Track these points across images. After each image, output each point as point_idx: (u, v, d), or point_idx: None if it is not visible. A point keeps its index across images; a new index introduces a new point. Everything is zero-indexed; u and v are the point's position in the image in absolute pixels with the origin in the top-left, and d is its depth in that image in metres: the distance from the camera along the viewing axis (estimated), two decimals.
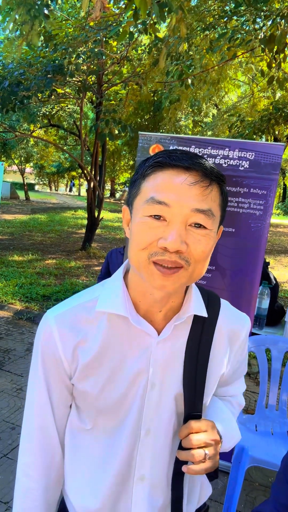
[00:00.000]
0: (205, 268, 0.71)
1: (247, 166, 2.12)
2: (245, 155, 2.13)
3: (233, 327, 0.86)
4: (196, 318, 0.81)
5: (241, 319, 0.88)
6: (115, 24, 4.91)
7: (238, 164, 2.14)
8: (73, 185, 40.11)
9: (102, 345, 0.77)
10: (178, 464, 0.79)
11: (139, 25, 3.59)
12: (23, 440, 0.85)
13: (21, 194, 23.49)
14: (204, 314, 0.80)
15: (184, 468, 0.73)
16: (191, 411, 0.79)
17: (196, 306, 0.79)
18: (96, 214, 8.86)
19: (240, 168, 2.14)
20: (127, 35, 2.81)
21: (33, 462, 0.83)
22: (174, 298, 0.77)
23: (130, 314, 0.76)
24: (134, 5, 2.10)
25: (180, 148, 2.21)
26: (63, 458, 0.87)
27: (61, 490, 0.90)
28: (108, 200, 28.94)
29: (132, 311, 0.77)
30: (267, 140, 8.19)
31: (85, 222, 9.75)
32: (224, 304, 0.88)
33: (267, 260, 2.92)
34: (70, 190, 40.55)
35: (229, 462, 2.33)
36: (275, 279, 2.86)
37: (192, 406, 0.79)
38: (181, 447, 0.76)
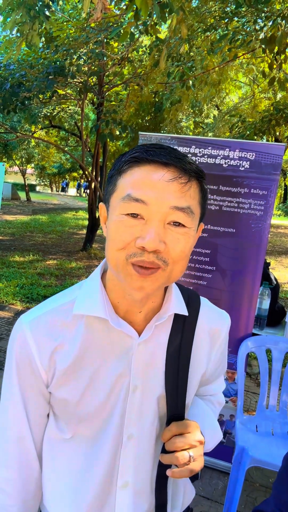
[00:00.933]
0: (184, 268, 0.69)
1: (248, 167, 2.12)
2: (245, 156, 2.13)
3: (214, 325, 0.84)
4: (177, 317, 0.79)
5: (222, 316, 0.87)
6: (116, 25, 4.92)
7: (238, 164, 2.14)
8: (66, 185, 39.16)
9: (80, 349, 0.73)
10: (162, 468, 0.77)
11: (140, 26, 3.60)
12: None
13: (22, 195, 23.52)
14: (185, 312, 0.79)
15: (168, 472, 0.71)
16: (174, 412, 0.77)
17: (176, 305, 0.78)
18: (97, 215, 8.87)
19: (240, 168, 2.14)
20: (128, 36, 2.81)
21: (9, 477, 0.78)
22: (153, 298, 0.75)
23: (109, 316, 0.72)
24: (135, 6, 2.10)
25: (176, 147, 2.22)
26: (41, 471, 0.82)
27: (39, 504, 0.86)
28: None
29: (111, 313, 0.74)
30: (267, 141, 8.20)
31: (86, 223, 9.76)
32: (204, 302, 0.87)
33: (268, 261, 2.92)
34: (63, 190, 39.60)
35: (230, 462, 2.33)
36: (275, 279, 2.86)
37: (175, 408, 0.77)
38: (164, 450, 0.74)
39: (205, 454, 2.40)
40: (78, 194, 36.88)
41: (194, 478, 0.86)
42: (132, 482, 0.77)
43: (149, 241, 0.61)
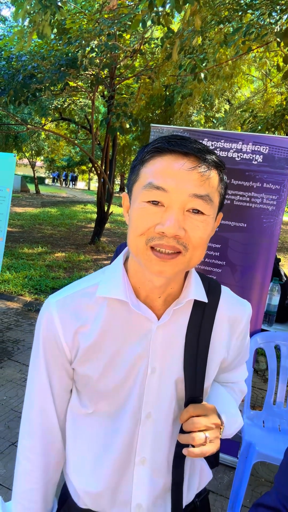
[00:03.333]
0: (203, 254, 0.71)
1: (261, 160, 2.10)
2: (258, 149, 2.10)
3: (234, 313, 0.86)
4: (197, 304, 0.81)
5: (242, 305, 0.88)
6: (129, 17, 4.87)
7: (251, 158, 2.12)
8: (67, 177, 38.77)
9: (102, 330, 0.77)
10: (179, 448, 0.80)
11: (151, 17, 3.56)
12: (23, 424, 0.86)
13: (31, 187, 23.60)
14: (204, 299, 0.81)
15: (184, 451, 0.74)
16: (192, 395, 0.79)
17: (195, 291, 0.80)
18: (106, 208, 8.87)
19: (253, 162, 2.12)
20: (140, 24, 2.78)
21: (32, 445, 0.84)
22: (173, 284, 0.77)
23: (130, 299, 0.76)
24: None
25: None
26: (63, 442, 0.88)
27: (63, 473, 0.91)
28: (117, 194, 28.93)
29: (132, 297, 0.77)
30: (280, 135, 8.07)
31: (95, 216, 9.77)
32: (225, 290, 0.88)
33: (278, 257, 2.90)
34: (65, 183, 39.38)
35: (236, 457, 2.34)
36: (285, 275, 2.84)
37: (193, 391, 0.79)
38: (182, 431, 0.77)
39: None
40: (59, 184, 36.98)
41: (213, 464, 0.88)
42: (150, 459, 0.81)
43: (169, 227, 0.64)
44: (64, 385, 0.84)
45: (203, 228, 0.68)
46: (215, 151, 2.18)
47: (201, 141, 2.20)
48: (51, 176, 38.64)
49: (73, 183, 39.37)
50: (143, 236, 0.67)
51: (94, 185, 36.68)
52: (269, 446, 1.94)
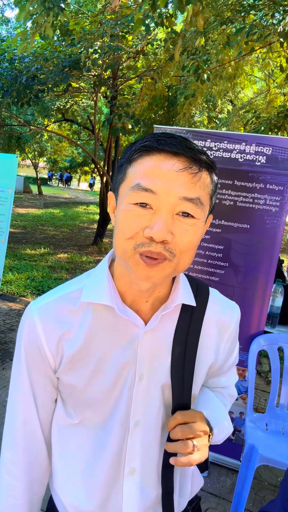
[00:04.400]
0: (191, 259, 0.68)
1: (264, 161, 2.09)
2: (262, 150, 2.09)
3: (223, 317, 0.83)
4: (184, 308, 0.79)
5: (231, 308, 0.86)
6: (131, 17, 4.87)
7: (254, 159, 2.11)
8: (61, 177, 38.79)
9: (87, 336, 0.74)
10: (167, 456, 0.77)
11: (154, 19, 3.56)
12: (5, 436, 0.82)
13: (34, 188, 23.64)
14: (192, 303, 0.78)
15: (171, 460, 0.71)
16: (179, 401, 0.77)
17: (183, 295, 0.77)
18: (108, 209, 8.86)
19: (256, 163, 2.10)
20: (142, 24, 2.77)
21: (15, 458, 0.80)
22: (160, 288, 0.75)
23: (115, 304, 0.73)
24: None
25: (194, 141, 2.19)
26: (48, 455, 0.84)
27: (49, 487, 0.87)
28: None
29: (118, 301, 0.74)
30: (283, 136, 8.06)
31: (97, 217, 9.77)
32: (213, 293, 0.86)
33: (281, 259, 2.88)
34: (60, 183, 39.26)
35: (239, 460, 2.32)
36: None
37: (180, 397, 0.77)
38: (169, 439, 0.74)
39: (214, 450, 2.38)
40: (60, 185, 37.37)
41: (203, 468, 0.86)
42: (139, 469, 0.78)
43: (157, 231, 0.61)
44: (48, 395, 0.80)
45: (192, 232, 0.65)
46: (218, 152, 2.17)
47: (204, 142, 2.20)
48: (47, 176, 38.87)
49: (68, 183, 39.43)
50: (131, 240, 0.64)
51: (97, 186, 36.75)
52: (272, 449, 1.92)
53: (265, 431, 2.08)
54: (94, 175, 37.08)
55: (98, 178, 34.15)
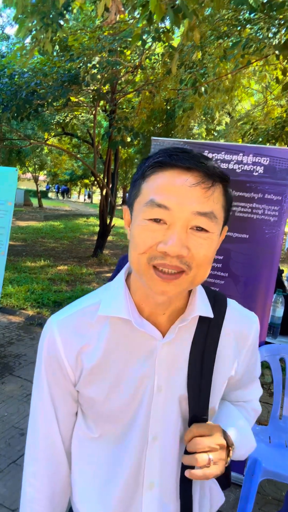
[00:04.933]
0: (208, 272, 0.69)
1: (262, 172, 2.10)
2: (259, 160, 2.10)
3: (241, 328, 0.83)
4: (202, 319, 0.79)
5: (249, 318, 0.85)
6: (129, 32, 4.96)
7: (252, 169, 2.12)
8: (58, 189, 39.27)
9: (105, 349, 0.75)
10: (185, 470, 0.76)
11: (151, 34, 3.62)
12: (27, 449, 0.83)
13: (34, 201, 23.77)
14: (210, 315, 0.78)
15: (186, 473, 0.71)
16: (196, 414, 0.76)
17: (201, 307, 0.77)
18: (108, 221, 8.90)
19: (254, 173, 2.11)
20: (139, 39, 2.82)
21: (37, 471, 0.81)
22: (177, 300, 0.75)
23: (132, 317, 0.74)
24: (149, 10, 2.11)
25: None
26: (69, 467, 0.84)
27: (69, 500, 0.88)
28: (120, 207, 29.09)
29: (135, 314, 0.75)
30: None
31: (97, 229, 9.80)
32: (231, 304, 0.85)
33: (281, 268, 2.87)
34: (62, 195, 39.63)
35: (242, 474, 2.27)
36: None
37: (197, 409, 0.76)
38: (186, 452, 0.73)
39: None
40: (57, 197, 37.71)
41: (224, 485, 0.85)
42: (158, 483, 0.78)
43: (171, 246, 0.62)
44: (69, 408, 0.81)
45: (207, 245, 0.65)
46: (216, 163, 2.18)
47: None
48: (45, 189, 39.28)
49: (67, 195, 39.76)
50: (144, 254, 0.65)
51: (97, 198, 37.07)
52: (276, 463, 1.88)
53: (269, 444, 2.05)
54: (88, 188, 37.97)
55: (94, 189, 34.57)
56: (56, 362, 0.77)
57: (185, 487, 0.78)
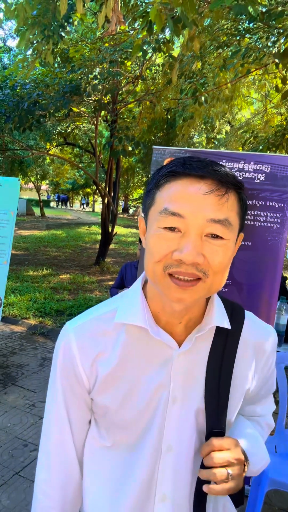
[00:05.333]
0: (225, 279, 0.68)
1: (263, 179, 2.10)
2: (261, 168, 2.11)
3: (258, 340, 0.81)
4: (219, 330, 0.78)
5: (267, 331, 0.84)
6: (129, 42, 5.03)
7: (253, 177, 2.12)
8: (59, 198, 39.96)
9: (121, 357, 0.75)
10: (200, 484, 0.74)
11: (152, 44, 3.67)
12: (40, 457, 0.83)
13: (36, 210, 23.88)
14: (227, 325, 0.77)
15: (205, 488, 0.69)
16: (214, 427, 0.74)
17: (218, 317, 0.76)
18: (110, 229, 8.92)
19: (255, 181, 2.12)
20: (140, 50, 2.85)
21: (50, 479, 0.81)
22: (194, 309, 0.74)
23: (149, 325, 0.73)
24: (149, 19, 2.14)
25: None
26: (81, 476, 0.83)
27: (79, 509, 0.87)
28: (121, 215, 29.19)
29: (151, 322, 0.74)
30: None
31: (99, 237, 9.82)
32: (249, 316, 0.84)
33: (284, 275, 2.87)
34: (64, 204, 39.98)
35: (248, 484, 2.24)
36: None
37: (215, 422, 0.75)
38: (203, 466, 0.71)
39: None
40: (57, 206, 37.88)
41: (238, 502, 0.82)
42: (171, 495, 0.76)
43: (187, 254, 0.62)
44: (83, 416, 0.80)
45: (222, 253, 0.65)
46: None
47: None
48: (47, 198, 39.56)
49: (69, 204, 40.01)
50: (160, 263, 0.65)
51: (99, 207, 37.27)
52: (283, 473, 1.86)
53: (275, 454, 2.02)
54: (85, 196, 38.46)
55: (96, 198, 34.70)
56: (72, 369, 0.76)
57: (199, 501, 0.76)
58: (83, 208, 40.07)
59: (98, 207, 37.54)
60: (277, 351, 2.23)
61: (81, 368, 0.76)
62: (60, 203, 38.63)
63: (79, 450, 0.82)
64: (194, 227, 0.63)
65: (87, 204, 40.71)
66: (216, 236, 0.64)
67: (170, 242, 0.64)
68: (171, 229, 0.64)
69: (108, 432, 0.77)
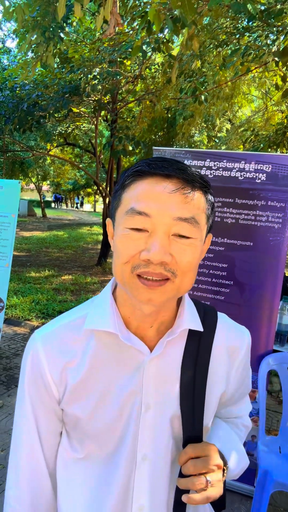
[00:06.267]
0: (193, 280, 0.67)
1: (264, 179, 2.09)
2: (261, 168, 2.09)
3: (233, 342, 0.80)
4: (192, 333, 0.76)
5: (241, 332, 0.83)
6: (128, 43, 5.02)
7: (254, 176, 2.11)
8: (56, 198, 39.97)
9: (91, 365, 0.72)
10: (179, 494, 0.72)
11: (151, 44, 3.66)
12: (9, 472, 0.78)
13: (38, 211, 23.90)
14: (199, 328, 0.75)
15: (184, 498, 0.67)
16: (190, 433, 0.73)
17: (189, 320, 0.75)
18: None
19: (256, 180, 2.11)
20: (139, 51, 2.84)
21: (19, 495, 0.77)
22: (164, 312, 0.73)
23: (119, 331, 0.71)
24: (148, 19, 2.13)
25: (191, 161, 2.20)
26: (53, 490, 0.79)
27: None
28: None
29: (121, 328, 0.72)
30: (282, 153, 8.14)
31: (101, 238, 9.82)
32: (222, 318, 0.83)
33: (286, 275, 2.85)
34: (77, 206, 39.60)
35: (252, 486, 2.23)
36: None
37: (191, 429, 0.73)
38: (181, 474, 0.70)
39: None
40: (56, 206, 37.75)
41: (219, 507, 0.80)
42: (148, 506, 0.73)
43: (154, 253, 0.61)
44: (53, 427, 0.77)
45: (190, 252, 0.64)
46: (218, 171, 2.18)
47: (203, 161, 2.21)
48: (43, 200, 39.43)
49: (60, 203, 39.88)
50: (128, 264, 0.64)
51: (100, 207, 37.25)
52: (287, 474, 1.85)
53: (279, 454, 2.01)
54: (80, 196, 38.32)
55: (97, 198, 34.67)
56: (40, 379, 0.73)
57: (179, 511, 0.73)
58: (77, 207, 39.82)
59: (100, 207, 37.58)
60: (280, 351, 2.23)
61: (49, 377, 0.73)
62: (56, 203, 38.59)
63: (50, 463, 0.78)
64: (161, 226, 0.62)
65: (81, 204, 40.35)
66: (183, 236, 0.63)
67: (137, 242, 0.63)
68: (138, 229, 0.63)
69: (81, 443, 0.74)
